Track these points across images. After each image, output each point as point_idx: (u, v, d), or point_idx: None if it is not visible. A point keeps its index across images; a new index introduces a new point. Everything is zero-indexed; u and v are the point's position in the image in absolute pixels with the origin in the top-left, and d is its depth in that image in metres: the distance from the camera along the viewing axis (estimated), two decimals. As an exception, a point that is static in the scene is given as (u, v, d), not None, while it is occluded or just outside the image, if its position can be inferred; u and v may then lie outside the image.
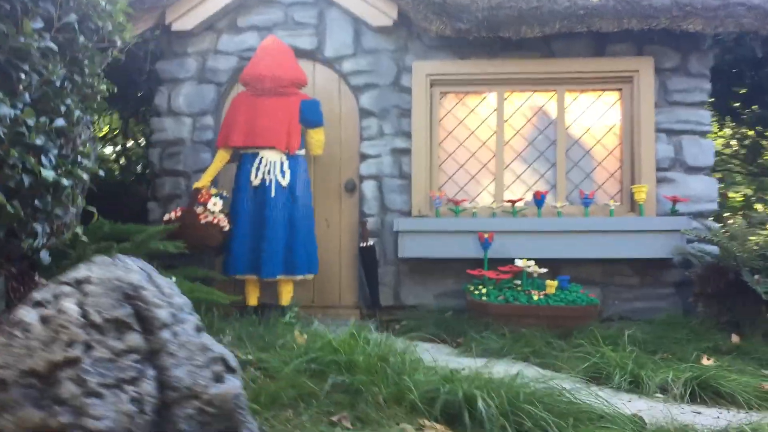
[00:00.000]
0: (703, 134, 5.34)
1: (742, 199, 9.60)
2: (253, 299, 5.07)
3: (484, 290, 4.54)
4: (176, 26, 5.54)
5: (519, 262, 4.60)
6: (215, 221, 4.86)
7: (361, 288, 5.49)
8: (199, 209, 4.87)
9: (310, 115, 5.13)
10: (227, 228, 4.92)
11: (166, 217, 4.91)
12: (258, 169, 4.96)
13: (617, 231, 5.00)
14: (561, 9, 5.02)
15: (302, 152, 5.15)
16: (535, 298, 4.38)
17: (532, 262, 4.62)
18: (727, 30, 4.91)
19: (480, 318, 4.42)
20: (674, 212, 5.12)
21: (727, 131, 8.94)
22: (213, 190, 4.99)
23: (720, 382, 3.22)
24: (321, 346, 3.23)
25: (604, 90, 5.57)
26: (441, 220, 5.23)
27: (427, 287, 5.38)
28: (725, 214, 8.42)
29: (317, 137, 5.20)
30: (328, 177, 5.70)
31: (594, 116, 5.57)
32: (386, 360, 3.04)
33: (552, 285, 4.53)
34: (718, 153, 8.32)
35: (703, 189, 5.29)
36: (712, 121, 7.99)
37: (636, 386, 3.31)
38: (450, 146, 5.69)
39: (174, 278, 3.73)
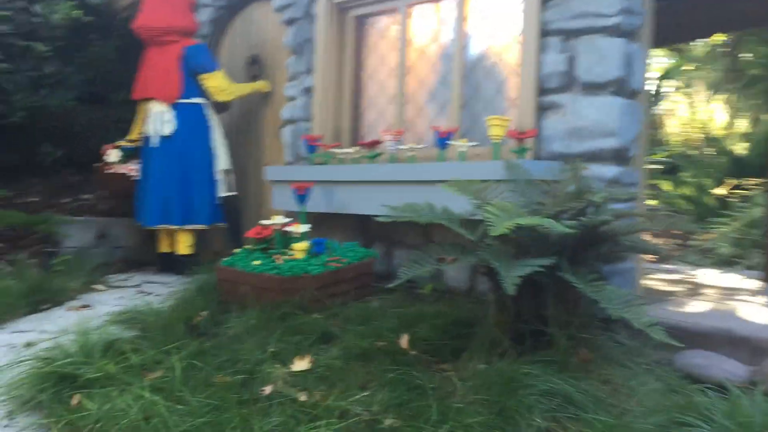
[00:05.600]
0: (605, 31, 3.36)
1: None
2: (163, 246, 5.29)
3: (236, 251, 3.91)
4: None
5: (271, 220, 3.78)
6: (118, 171, 5.23)
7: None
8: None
9: (194, 60, 5.03)
10: (136, 177, 5.26)
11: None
12: (148, 120, 5.14)
13: (423, 182, 3.62)
14: None
15: (197, 100, 5.09)
16: (256, 263, 3.59)
17: (286, 220, 3.74)
18: None
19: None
20: (519, 154, 3.43)
21: None
22: (121, 142, 5.34)
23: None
24: None
25: (513, -17, 3.95)
26: (300, 168, 4.56)
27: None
28: None
29: (210, 83, 5.05)
30: (275, 124, 5.45)
31: (503, 21, 4.02)
32: None
33: (300, 248, 3.63)
34: None
35: (598, 117, 3.37)
36: None
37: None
38: (368, 81, 4.82)
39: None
